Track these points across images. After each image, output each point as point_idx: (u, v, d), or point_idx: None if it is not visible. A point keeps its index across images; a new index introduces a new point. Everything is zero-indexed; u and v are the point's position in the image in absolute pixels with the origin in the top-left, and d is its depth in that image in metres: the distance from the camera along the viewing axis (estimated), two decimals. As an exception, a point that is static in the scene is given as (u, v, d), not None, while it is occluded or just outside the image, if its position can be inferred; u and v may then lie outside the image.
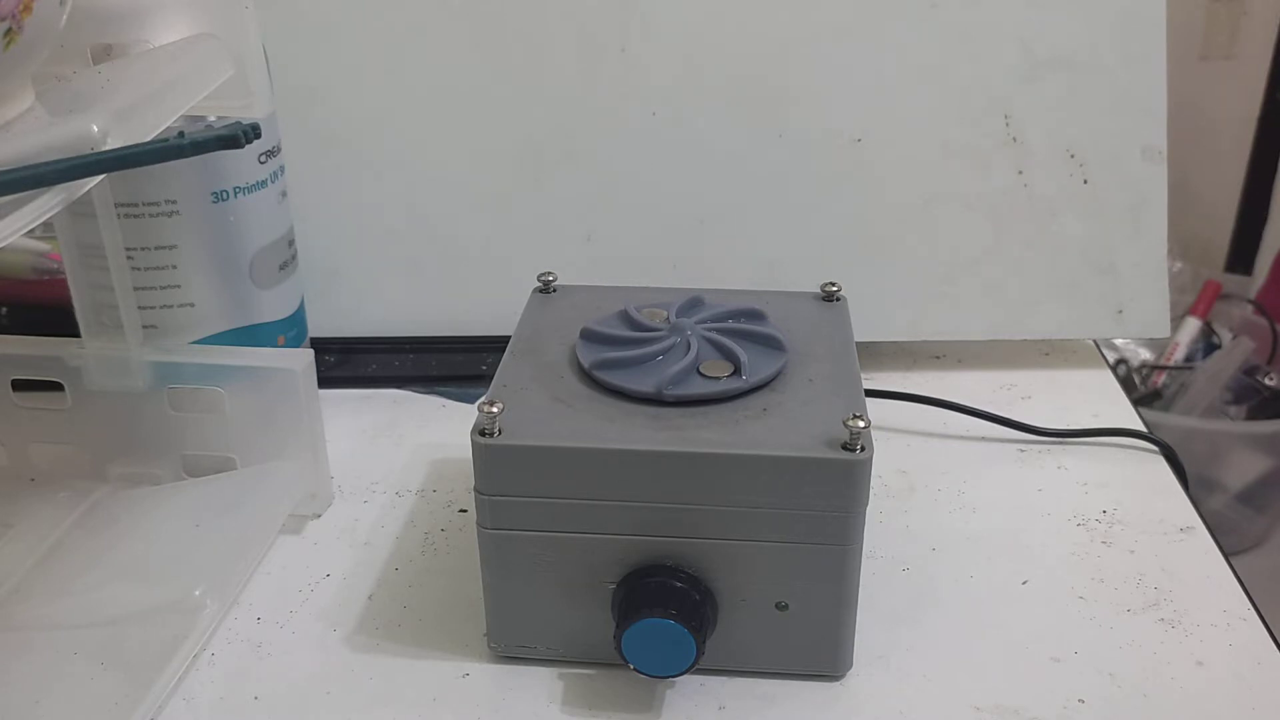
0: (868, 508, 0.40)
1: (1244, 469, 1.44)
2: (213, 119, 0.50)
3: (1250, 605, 0.46)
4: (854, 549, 0.40)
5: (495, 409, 0.40)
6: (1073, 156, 0.62)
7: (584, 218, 0.64)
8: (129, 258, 0.50)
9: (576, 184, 0.63)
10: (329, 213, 0.64)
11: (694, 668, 0.39)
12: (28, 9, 0.36)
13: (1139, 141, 0.62)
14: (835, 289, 0.50)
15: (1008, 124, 0.62)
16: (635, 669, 0.40)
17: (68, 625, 0.44)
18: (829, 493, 0.39)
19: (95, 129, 0.37)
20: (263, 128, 0.46)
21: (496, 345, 0.47)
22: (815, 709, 0.41)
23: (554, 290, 0.51)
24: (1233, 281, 1.74)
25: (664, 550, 0.40)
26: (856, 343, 0.46)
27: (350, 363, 0.65)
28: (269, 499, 0.49)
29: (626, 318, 0.46)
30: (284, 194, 0.55)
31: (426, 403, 0.63)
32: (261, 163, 0.52)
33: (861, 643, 0.43)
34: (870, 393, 0.53)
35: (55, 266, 0.59)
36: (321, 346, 0.58)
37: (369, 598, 0.47)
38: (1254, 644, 0.44)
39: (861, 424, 0.39)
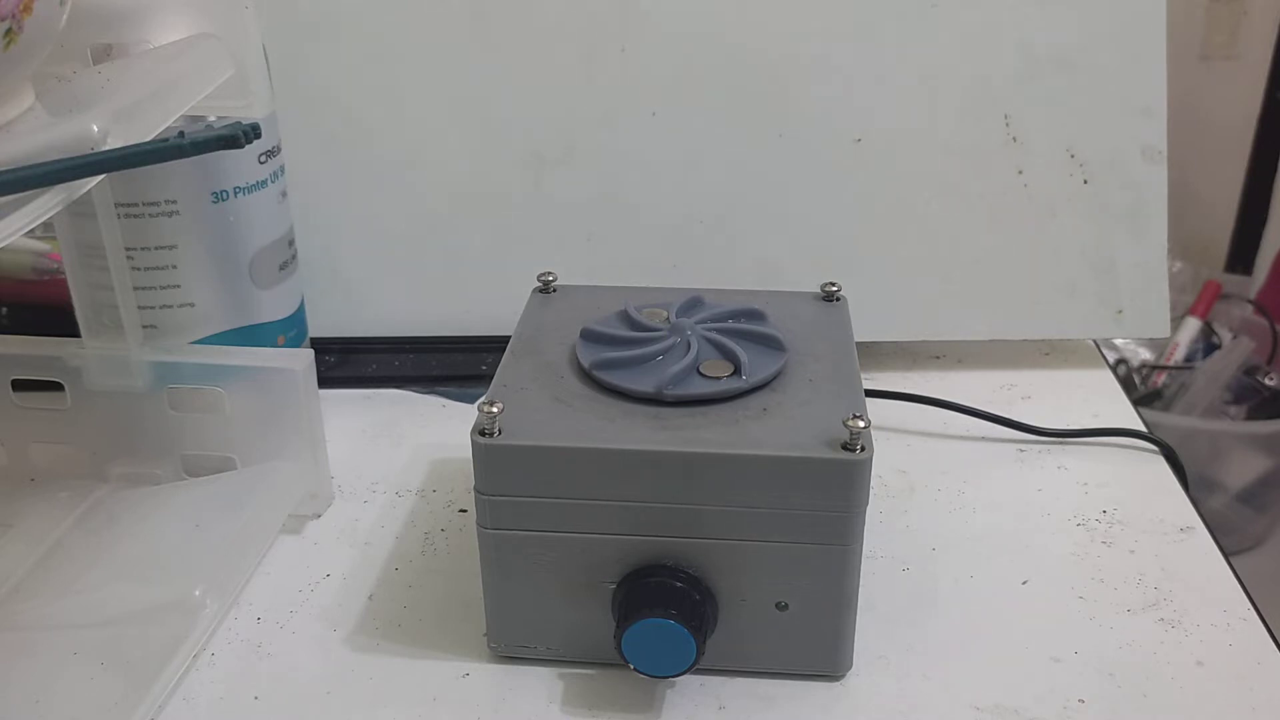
0: (868, 508, 0.40)
1: (1244, 469, 1.44)
2: (213, 119, 0.50)
3: (1250, 605, 0.46)
4: (854, 549, 0.40)
5: (495, 409, 0.40)
6: (1073, 156, 0.62)
7: (584, 218, 0.64)
8: (129, 258, 0.50)
9: (576, 184, 0.63)
10: (329, 213, 0.64)
11: (694, 668, 0.39)
12: (28, 9, 0.36)
13: (1139, 141, 0.62)
14: (835, 289, 0.50)
15: (1008, 124, 0.62)
16: (635, 669, 0.40)
17: (68, 625, 0.44)
18: (829, 493, 0.39)
19: (95, 129, 0.37)
20: (263, 128, 0.46)
21: (496, 345, 0.47)
22: (815, 709, 0.41)
23: (554, 290, 0.51)
24: (1233, 281, 1.74)
25: (664, 550, 0.40)
26: (856, 343, 0.46)
27: (350, 363, 0.65)
28: (269, 499, 0.49)
29: (626, 318, 0.46)
30: (284, 194, 0.55)
31: (426, 403, 0.63)
32: (261, 163, 0.52)
33: (861, 643, 0.43)
34: (870, 393, 0.53)
35: (55, 266, 0.59)
36: (321, 346, 0.58)
37: (369, 598, 0.47)
38: (1254, 644, 0.44)
39: (861, 424, 0.39)
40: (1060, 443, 0.58)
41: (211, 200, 0.51)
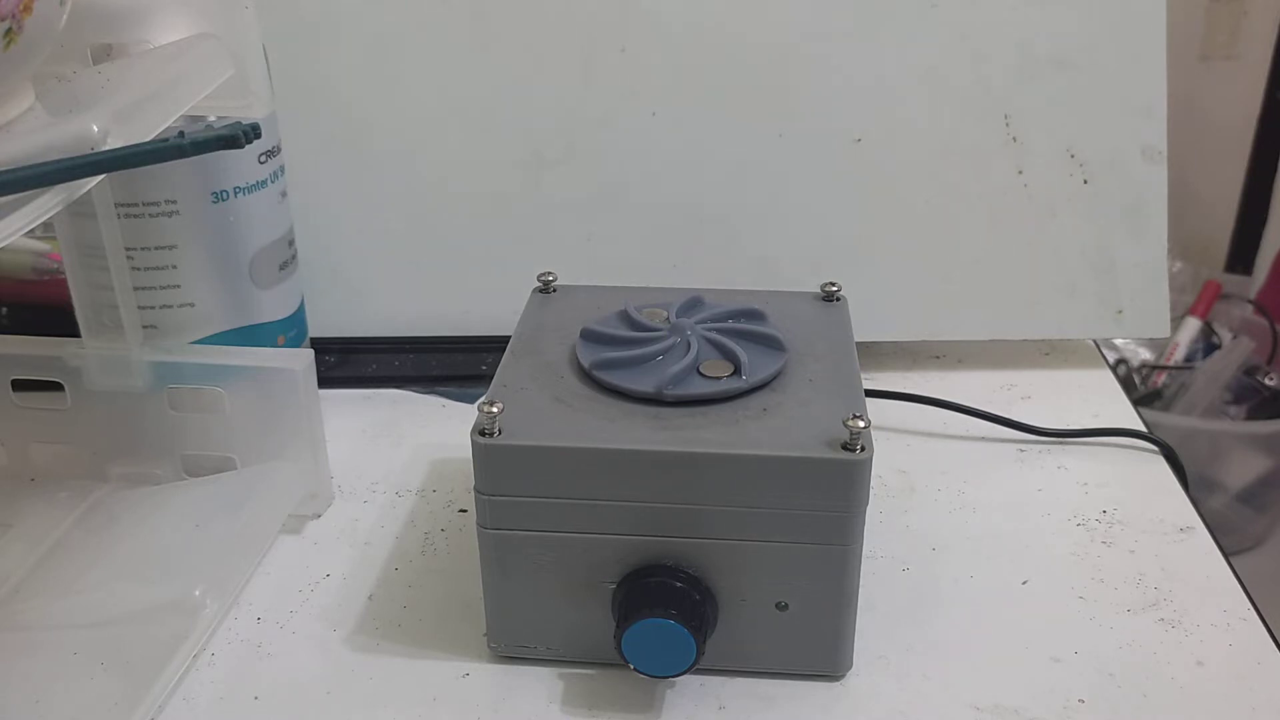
0: (868, 508, 0.40)
1: (1244, 469, 1.44)
2: (213, 119, 0.50)
3: (1250, 605, 0.46)
4: (854, 549, 0.40)
5: (495, 409, 0.40)
6: (1073, 156, 0.62)
7: (584, 218, 0.64)
8: (129, 258, 0.50)
9: (576, 184, 0.63)
10: (329, 213, 0.64)
11: (694, 668, 0.39)
12: (28, 9, 0.36)
13: (1139, 141, 0.62)
14: (835, 289, 0.50)
15: (1008, 124, 0.62)
16: (635, 669, 0.40)
17: (68, 625, 0.44)
18: (829, 493, 0.39)
19: (95, 129, 0.37)
20: (263, 128, 0.46)
21: (496, 345, 0.47)
22: (815, 709, 0.41)
23: (554, 290, 0.51)
24: (1233, 281, 1.74)
25: (664, 550, 0.40)
26: (856, 343, 0.46)
27: (350, 363, 0.65)
28: (269, 499, 0.49)
29: (626, 318, 0.46)
30: (284, 194, 0.55)
31: (426, 403, 0.63)
32: (261, 163, 0.52)
33: (861, 643, 0.43)
34: (870, 393, 0.53)
35: (55, 266, 0.59)
36: (321, 346, 0.58)
37: (369, 598, 0.47)
38: (1254, 644, 0.44)
39: (861, 424, 0.39)
40: (1060, 443, 0.58)
41: (211, 200, 0.51)
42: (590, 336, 0.45)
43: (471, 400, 0.62)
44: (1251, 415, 1.45)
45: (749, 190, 0.63)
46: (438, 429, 0.60)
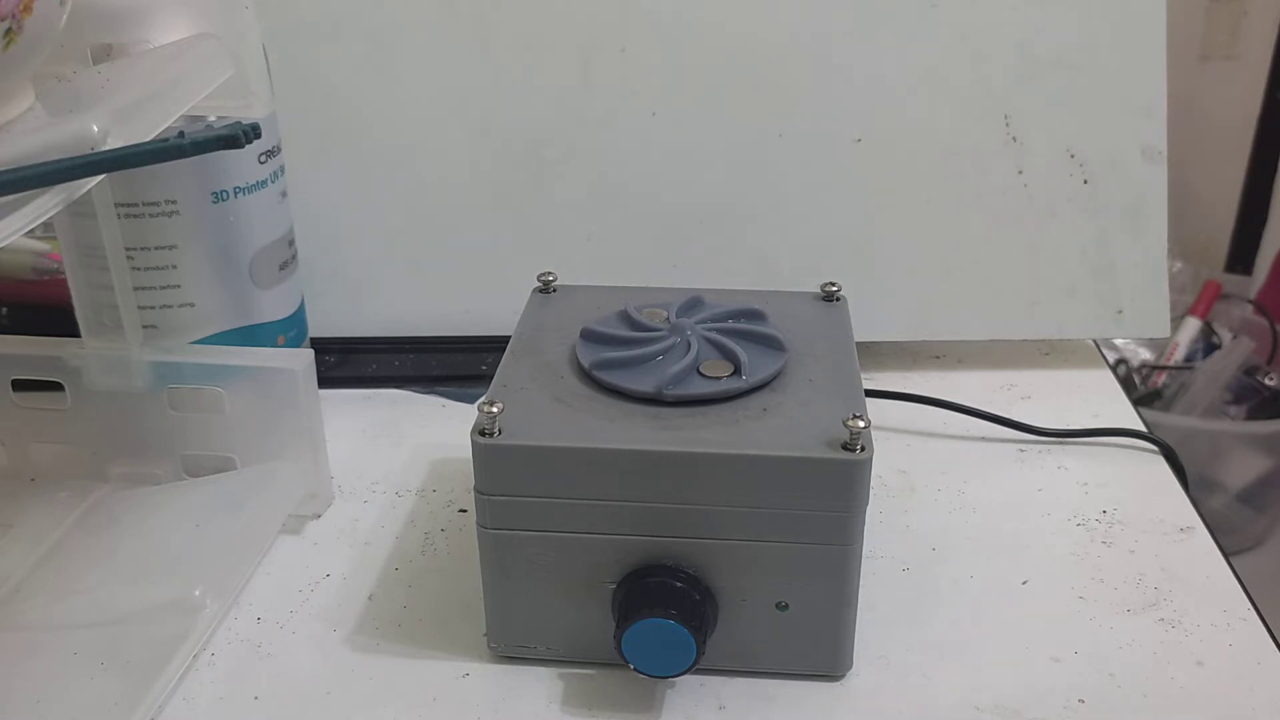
0: (868, 508, 0.40)
1: (1244, 469, 1.44)
2: (213, 119, 0.50)
3: (1250, 605, 0.46)
4: (854, 549, 0.40)
5: (495, 409, 0.40)
6: (1073, 156, 0.62)
7: (584, 218, 0.64)
8: (129, 258, 0.50)
9: (576, 184, 0.63)
10: (329, 213, 0.64)
11: (694, 668, 0.39)
12: (28, 9, 0.36)
13: (1139, 141, 0.62)
14: (835, 289, 0.50)
15: (1008, 124, 0.62)
16: (635, 669, 0.40)
17: (68, 625, 0.44)
18: (829, 492, 0.39)
19: (95, 129, 0.37)
20: (263, 128, 0.46)
21: (496, 345, 0.47)
22: (815, 709, 0.41)
23: (554, 290, 0.51)
24: (1233, 281, 1.74)
25: (664, 550, 0.40)
26: (856, 343, 0.46)
27: (350, 363, 0.65)
28: (269, 499, 0.49)
29: (626, 318, 0.46)
30: (284, 194, 0.55)
31: (426, 403, 0.63)
32: (261, 163, 0.52)
33: (861, 643, 0.43)
34: (870, 393, 0.53)
35: (55, 266, 0.59)
36: (321, 346, 0.58)
37: (369, 598, 0.47)
38: (1254, 644, 0.44)
39: (861, 424, 0.39)
40: (1060, 443, 0.58)
41: (211, 200, 0.51)
42: (590, 336, 0.45)
43: (471, 400, 0.62)
44: (1251, 415, 1.46)
45: (749, 190, 0.63)
46: (438, 429, 0.60)
